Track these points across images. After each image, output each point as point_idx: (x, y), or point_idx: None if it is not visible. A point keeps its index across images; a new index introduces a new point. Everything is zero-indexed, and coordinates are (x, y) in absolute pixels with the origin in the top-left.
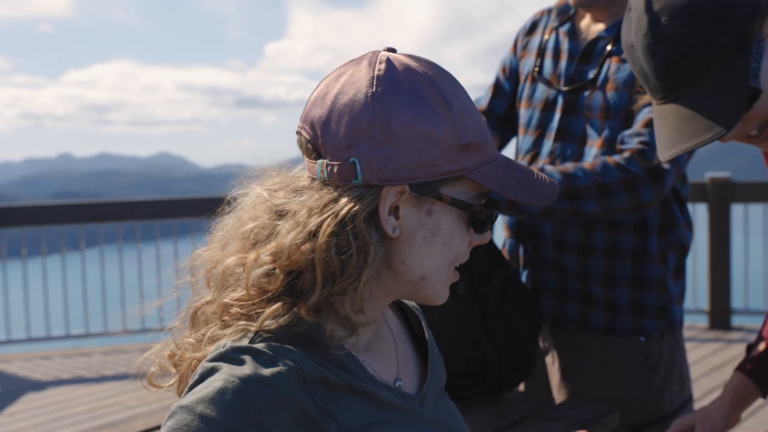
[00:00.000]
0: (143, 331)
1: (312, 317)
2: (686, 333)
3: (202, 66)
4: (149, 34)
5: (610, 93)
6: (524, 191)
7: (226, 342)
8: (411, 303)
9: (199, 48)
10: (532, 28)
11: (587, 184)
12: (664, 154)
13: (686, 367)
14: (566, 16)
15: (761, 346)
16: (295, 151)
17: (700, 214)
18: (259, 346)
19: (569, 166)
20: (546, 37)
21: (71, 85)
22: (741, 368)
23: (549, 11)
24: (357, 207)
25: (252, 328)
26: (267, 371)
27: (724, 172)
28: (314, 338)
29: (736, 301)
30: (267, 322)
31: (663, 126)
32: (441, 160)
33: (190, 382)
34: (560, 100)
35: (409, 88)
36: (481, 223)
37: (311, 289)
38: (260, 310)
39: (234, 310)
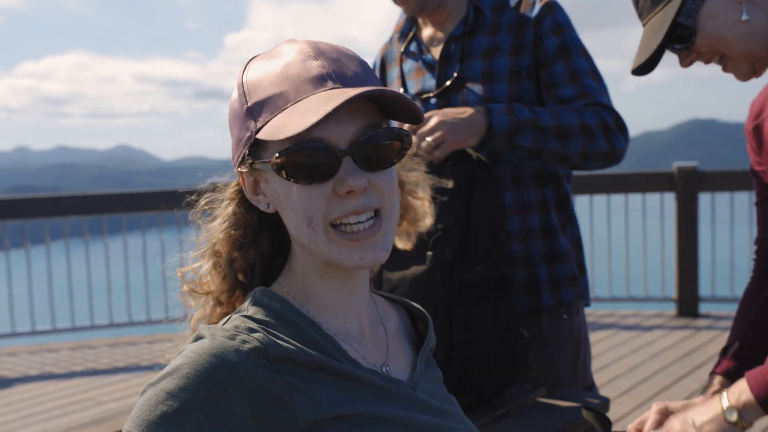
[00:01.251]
0: (111, 326)
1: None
2: (655, 321)
3: (160, 57)
4: (105, 26)
5: (487, 86)
6: (298, 122)
7: (200, 327)
8: (421, 309)
9: (156, 39)
10: (382, 66)
11: (573, 122)
12: (632, 68)
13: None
14: (408, 37)
15: (735, 346)
16: None
17: (667, 203)
18: (227, 326)
19: (556, 108)
20: (399, 65)
21: (25, 77)
22: (721, 371)
23: (390, 42)
24: (232, 198)
25: (228, 316)
26: (225, 347)
27: (692, 162)
28: (293, 320)
29: (704, 288)
30: (242, 306)
31: (639, 44)
32: (241, 132)
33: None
34: (435, 107)
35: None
36: (290, 171)
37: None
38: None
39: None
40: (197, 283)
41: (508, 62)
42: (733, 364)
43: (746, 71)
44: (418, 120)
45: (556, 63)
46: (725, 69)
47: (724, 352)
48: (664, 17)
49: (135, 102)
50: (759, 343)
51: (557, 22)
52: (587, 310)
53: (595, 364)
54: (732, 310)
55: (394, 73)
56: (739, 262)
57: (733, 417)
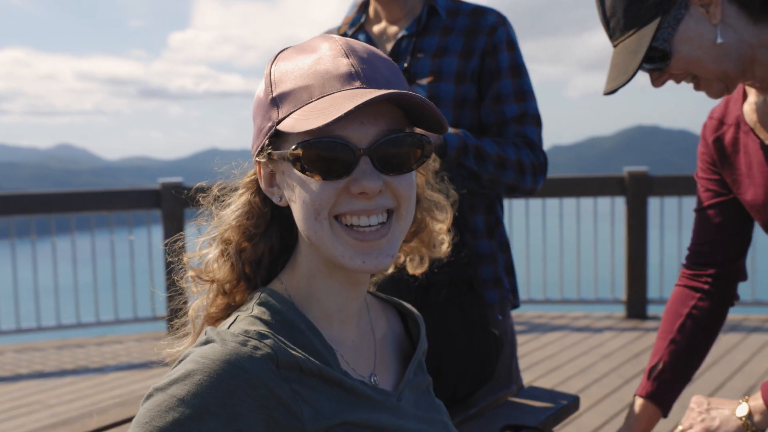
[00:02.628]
0: (58, 328)
1: (271, 296)
2: (604, 322)
3: (102, 55)
4: (45, 21)
5: (434, 84)
6: (320, 117)
7: (207, 329)
8: (414, 310)
9: (98, 37)
10: None
11: (512, 157)
12: (604, 88)
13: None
14: (357, 27)
15: (659, 367)
16: (204, 144)
17: (618, 207)
18: (235, 329)
19: (500, 139)
20: None
21: None
22: (643, 393)
23: (337, 31)
24: (247, 187)
25: (232, 315)
26: (238, 354)
27: (642, 167)
28: (297, 325)
29: (652, 291)
30: (248, 305)
31: (610, 65)
32: (264, 122)
33: (172, 365)
34: None
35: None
36: (306, 164)
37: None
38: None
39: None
40: (202, 270)
41: (456, 63)
42: (655, 386)
43: (719, 90)
44: (442, 129)
45: (506, 79)
46: (697, 88)
47: (650, 372)
48: (639, 42)
49: (76, 100)
50: (681, 362)
51: (510, 37)
52: (539, 312)
53: (546, 366)
54: None
55: None
56: None
57: (744, 411)
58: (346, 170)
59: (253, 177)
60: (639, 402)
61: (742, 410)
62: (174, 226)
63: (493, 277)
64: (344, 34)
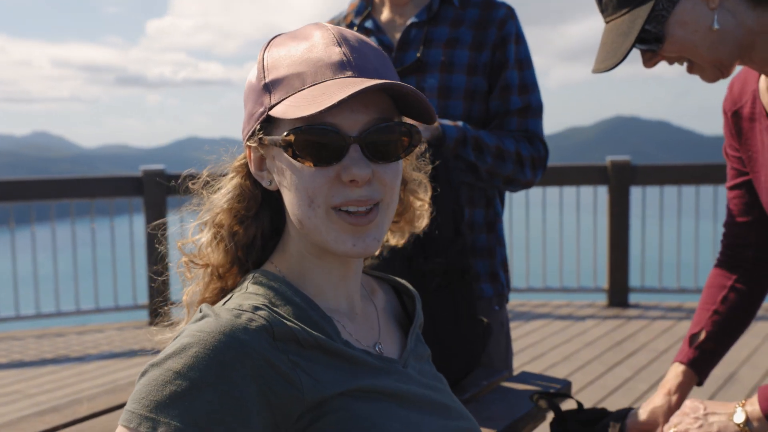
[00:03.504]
0: (38, 317)
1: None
2: (587, 311)
3: (78, 42)
4: (18, 6)
5: (446, 75)
6: (313, 105)
7: (201, 307)
8: (408, 285)
9: (73, 23)
10: None
11: (511, 149)
12: (593, 67)
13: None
14: (364, 15)
15: (702, 336)
16: (182, 132)
17: (600, 196)
18: (229, 305)
19: (498, 131)
20: None
21: None
22: (684, 360)
23: (343, 18)
24: (237, 171)
25: (228, 296)
26: (233, 326)
27: (624, 156)
28: (292, 299)
29: (634, 279)
30: (241, 286)
31: (600, 43)
32: (255, 107)
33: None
34: None
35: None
36: (297, 151)
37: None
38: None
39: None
40: (196, 255)
41: (467, 56)
42: (696, 354)
43: (712, 75)
44: (430, 119)
45: (512, 71)
46: (690, 71)
47: (691, 340)
48: (631, 23)
49: (52, 87)
50: (723, 333)
51: (518, 30)
52: (522, 300)
53: (531, 353)
54: (660, 300)
55: None
56: (668, 255)
57: (741, 418)
58: (337, 157)
59: (243, 161)
60: (679, 369)
61: (739, 417)
62: (156, 214)
63: (490, 271)
64: (351, 23)
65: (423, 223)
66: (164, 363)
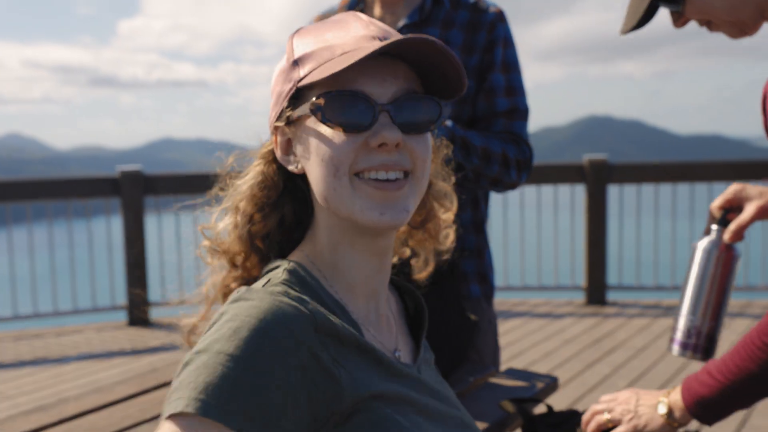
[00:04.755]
0: (15, 319)
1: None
2: (565, 308)
3: (49, 42)
4: None
5: None
6: (337, 64)
7: (240, 289)
8: (413, 288)
9: (44, 23)
10: None
11: (498, 150)
12: (620, 29)
13: None
14: (355, 11)
15: None
16: (157, 133)
17: (578, 195)
18: (275, 289)
19: (487, 133)
20: None
21: None
22: None
23: (333, 14)
24: (263, 158)
25: (262, 280)
26: (284, 313)
27: (601, 154)
28: (323, 299)
29: (611, 277)
30: (275, 273)
31: (627, 5)
32: (284, 86)
33: (206, 330)
34: None
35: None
36: (327, 115)
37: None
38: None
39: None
40: (216, 241)
41: (458, 58)
42: None
43: (734, 33)
44: (459, 92)
45: (498, 74)
46: (712, 30)
47: None
48: None
49: (24, 88)
50: None
51: (507, 33)
52: (501, 299)
53: (511, 351)
54: (638, 298)
55: None
56: (645, 253)
57: (664, 410)
58: (367, 125)
59: (270, 147)
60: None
61: (662, 408)
62: (133, 215)
63: (478, 272)
64: None
65: (449, 240)
66: (213, 347)
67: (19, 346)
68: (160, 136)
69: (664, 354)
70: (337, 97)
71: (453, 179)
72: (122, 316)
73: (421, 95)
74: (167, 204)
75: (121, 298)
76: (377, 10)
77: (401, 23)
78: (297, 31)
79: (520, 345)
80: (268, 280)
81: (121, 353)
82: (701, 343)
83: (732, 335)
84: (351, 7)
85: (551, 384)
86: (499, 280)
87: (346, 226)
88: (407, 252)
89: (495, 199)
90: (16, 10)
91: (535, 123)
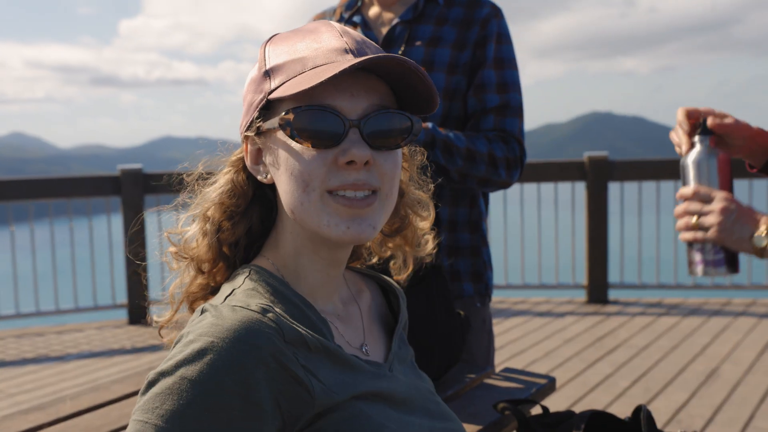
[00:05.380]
0: (17, 317)
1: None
2: (566, 307)
3: (51, 42)
4: None
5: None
6: (308, 79)
7: (204, 305)
8: (394, 283)
9: (46, 24)
10: None
11: (483, 150)
12: None
13: None
14: (353, 9)
15: None
16: (157, 132)
17: (578, 192)
18: (233, 302)
19: (470, 133)
20: None
21: None
22: None
23: (332, 13)
24: (232, 166)
25: (224, 290)
26: (248, 329)
27: (602, 151)
28: (291, 299)
29: (613, 275)
30: (237, 281)
31: None
32: (255, 95)
33: (171, 350)
34: None
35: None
36: (296, 130)
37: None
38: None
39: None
40: (182, 247)
41: (449, 54)
42: None
43: None
44: (431, 109)
45: (489, 70)
46: None
47: None
48: None
49: (27, 88)
50: None
51: (501, 29)
52: (501, 297)
53: (511, 350)
54: (640, 296)
55: None
56: (647, 251)
57: (761, 244)
58: (336, 141)
59: (240, 155)
60: None
61: (761, 241)
62: (134, 213)
63: (472, 270)
64: (341, 16)
65: (428, 248)
66: (176, 371)
67: (22, 344)
68: (160, 135)
69: (666, 352)
70: (306, 112)
71: (431, 187)
72: (123, 315)
73: (393, 111)
74: (168, 202)
75: (122, 297)
76: (374, 8)
77: (395, 20)
78: (271, 38)
79: (521, 344)
80: (232, 291)
81: (122, 351)
82: (723, 256)
83: (736, 335)
84: (350, 5)
85: (548, 384)
86: (499, 278)
87: (311, 235)
88: (387, 252)
89: (495, 197)
90: (18, 11)
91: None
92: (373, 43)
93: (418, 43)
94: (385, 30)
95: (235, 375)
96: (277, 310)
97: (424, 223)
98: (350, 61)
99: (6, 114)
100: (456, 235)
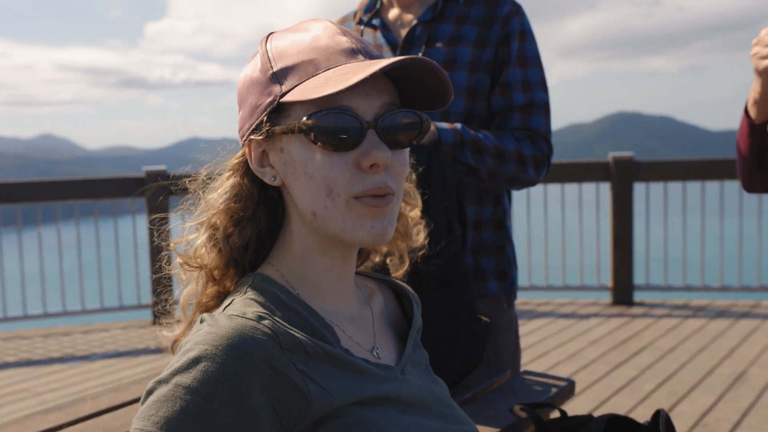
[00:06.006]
0: (45, 317)
1: (264, 281)
2: (590, 309)
3: (80, 45)
4: (22, 12)
5: (448, 73)
6: (338, 84)
7: (202, 316)
8: (408, 288)
9: (75, 27)
10: None
11: (512, 148)
12: None
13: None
14: (372, 12)
15: None
16: (184, 133)
17: (603, 193)
18: (231, 312)
19: (497, 131)
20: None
21: None
22: None
23: (353, 16)
24: (234, 170)
25: (227, 300)
26: (240, 336)
27: (627, 152)
28: (293, 306)
29: (638, 277)
30: (239, 290)
31: None
32: (261, 98)
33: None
34: None
35: (253, 55)
36: (318, 135)
37: (243, 252)
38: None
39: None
40: (191, 256)
41: (470, 53)
42: None
43: None
44: (442, 105)
45: (513, 68)
46: None
47: None
48: None
49: (56, 90)
50: None
51: (524, 26)
52: (525, 299)
53: (534, 352)
54: (666, 298)
55: None
56: (673, 251)
57: None
58: (355, 143)
59: (241, 159)
60: None
61: None
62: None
63: (498, 269)
64: (360, 20)
65: (420, 237)
66: (171, 379)
67: (49, 343)
68: (187, 136)
69: (692, 356)
70: (327, 116)
71: (413, 176)
72: (147, 315)
73: (403, 110)
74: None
75: (147, 297)
76: (394, 10)
77: (415, 21)
78: (269, 37)
79: (544, 346)
80: (231, 301)
81: (146, 351)
82: None
83: (765, 338)
84: (369, 8)
85: (568, 387)
86: (522, 279)
87: (321, 237)
88: (384, 248)
89: (518, 197)
90: (46, 15)
91: (561, 119)
92: (367, 42)
93: (439, 43)
94: (404, 32)
95: (228, 382)
96: (276, 318)
97: (414, 211)
98: (362, 61)
99: (36, 116)
100: (480, 234)
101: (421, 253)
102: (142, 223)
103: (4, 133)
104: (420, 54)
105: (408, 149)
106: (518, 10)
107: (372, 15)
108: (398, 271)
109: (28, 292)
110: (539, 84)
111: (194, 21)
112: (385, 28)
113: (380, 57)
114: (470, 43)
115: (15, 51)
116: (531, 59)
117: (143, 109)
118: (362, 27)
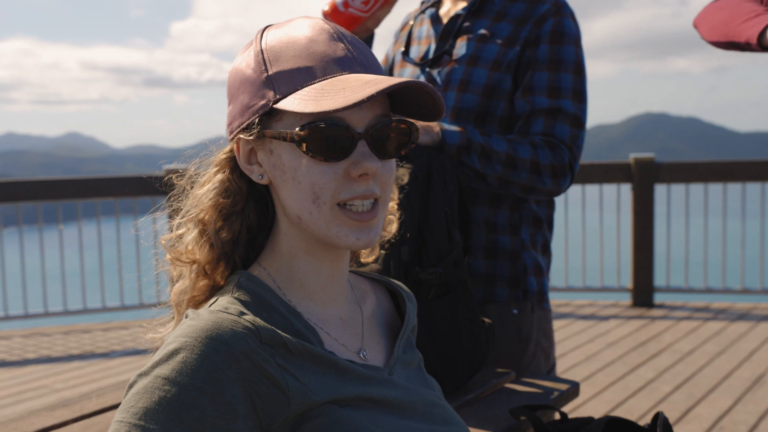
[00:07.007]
0: (65, 314)
1: (250, 280)
2: (610, 311)
3: (105, 44)
4: (47, 11)
5: (470, 68)
6: (337, 98)
7: (187, 312)
8: (404, 287)
9: (100, 26)
10: (405, 24)
11: (525, 156)
12: None
13: (552, 338)
14: (430, 3)
15: None
16: (209, 132)
17: (624, 194)
18: (215, 308)
19: (514, 137)
20: (414, 26)
21: None
22: None
23: (422, 3)
24: (222, 165)
25: (213, 298)
26: (219, 329)
27: (648, 153)
28: (276, 307)
29: (659, 279)
30: (225, 288)
31: None
32: (253, 99)
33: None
34: (422, 78)
35: (246, 46)
36: (311, 146)
37: (234, 247)
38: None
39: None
40: (181, 252)
41: (496, 51)
42: None
43: None
44: (433, 118)
45: (541, 72)
46: None
47: None
48: None
49: (82, 89)
50: None
51: (560, 28)
52: None
53: None
54: (686, 300)
55: (406, 33)
56: (694, 253)
57: None
58: (346, 153)
59: (229, 155)
60: None
61: None
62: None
63: (510, 275)
64: (420, 11)
65: (393, 228)
66: (152, 371)
67: (69, 340)
68: (212, 135)
69: (712, 358)
70: (321, 128)
71: (405, 180)
72: (168, 312)
73: (394, 119)
74: None
75: (166, 295)
76: (447, 3)
77: (455, 13)
78: (265, 31)
79: (563, 347)
80: (216, 300)
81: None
82: None
83: (755, 340)
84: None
85: (571, 389)
86: None
87: (308, 237)
88: None
89: None
90: (71, 14)
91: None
92: (358, 39)
93: (469, 37)
94: (447, 21)
95: (207, 373)
96: (258, 317)
97: (391, 203)
98: (357, 72)
99: (62, 114)
100: (495, 237)
101: (391, 239)
102: (163, 221)
103: (31, 131)
104: (446, 48)
105: (394, 159)
106: (558, 11)
107: (429, 5)
108: (369, 257)
109: (48, 290)
110: (570, 91)
111: (219, 20)
112: (434, 20)
113: (375, 65)
114: (500, 41)
115: (41, 50)
116: (565, 63)
117: (169, 108)
118: (423, 15)
